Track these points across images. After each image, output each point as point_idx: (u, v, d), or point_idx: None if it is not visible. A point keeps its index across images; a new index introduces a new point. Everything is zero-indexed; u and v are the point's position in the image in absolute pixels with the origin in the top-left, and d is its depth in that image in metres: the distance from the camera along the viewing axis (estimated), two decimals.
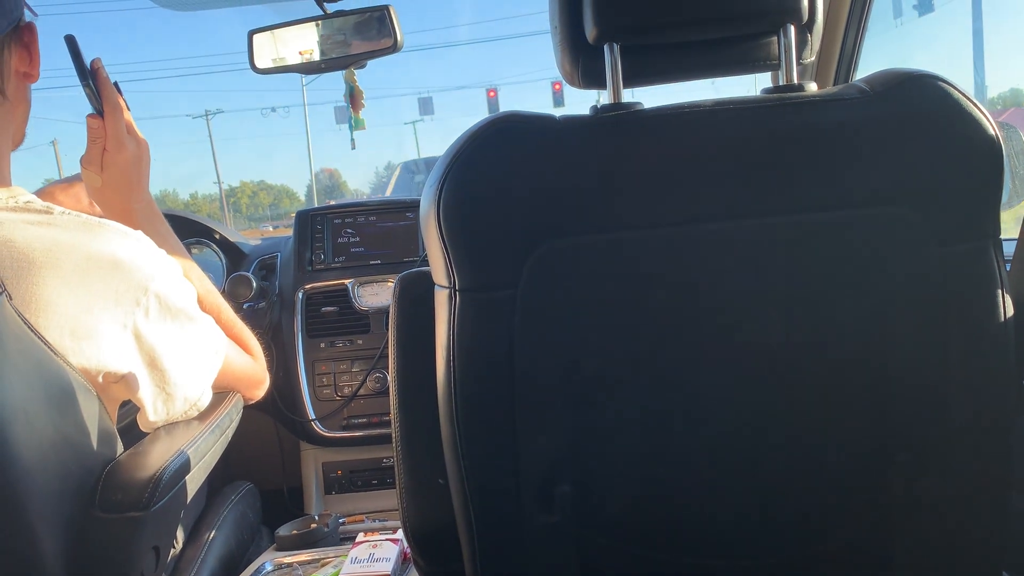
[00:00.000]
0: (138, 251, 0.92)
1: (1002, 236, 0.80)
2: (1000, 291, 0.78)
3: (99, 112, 1.05)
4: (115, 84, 1.07)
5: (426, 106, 28.93)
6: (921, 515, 0.83)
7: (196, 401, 1.01)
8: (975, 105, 0.77)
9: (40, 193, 1.23)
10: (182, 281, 0.99)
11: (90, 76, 1.04)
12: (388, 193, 9.71)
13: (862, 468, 0.83)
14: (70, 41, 1.03)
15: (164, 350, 0.95)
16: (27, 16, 0.96)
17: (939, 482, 0.82)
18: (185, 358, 0.98)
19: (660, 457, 0.82)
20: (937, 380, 0.80)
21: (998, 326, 0.79)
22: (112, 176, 1.08)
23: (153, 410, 0.96)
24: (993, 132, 0.77)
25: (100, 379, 0.89)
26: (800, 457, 0.83)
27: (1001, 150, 0.77)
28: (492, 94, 21.10)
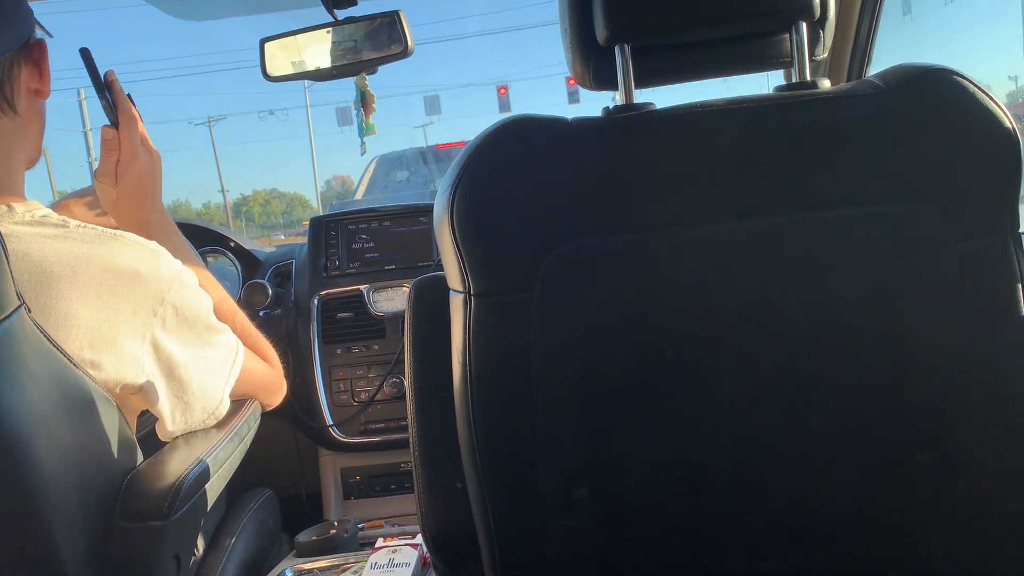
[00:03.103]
0: (154, 261, 0.93)
1: (1021, 230, 0.79)
2: (1020, 286, 0.78)
3: (114, 124, 1.06)
4: (128, 96, 1.08)
5: (433, 105, 27.33)
6: (944, 514, 0.82)
7: (214, 410, 1.02)
8: (991, 99, 0.77)
9: (55, 206, 1.24)
10: (198, 291, 1.00)
11: (106, 88, 1.05)
12: (359, 194, 7.82)
13: (885, 469, 0.82)
14: (85, 54, 1.03)
15: (182, 360, 0.95)
16: (38, 33, 0.97)
17: (963, 481, 0.81)
18: (203, 368, 0.99)
19: (678, 459, 0.82)
20: (958, 377, 0.79)
21: (1018, 321, 0.78)
22: (127, 187, 1.08)
23: (172, 420, 0.97)
24: (1010, 126, 0.76)
25: (119, 390, 0.90)
26: (821, 459, 0.82)
27: (1019, 144, 0.76)
28: (503, 91, 20.82)
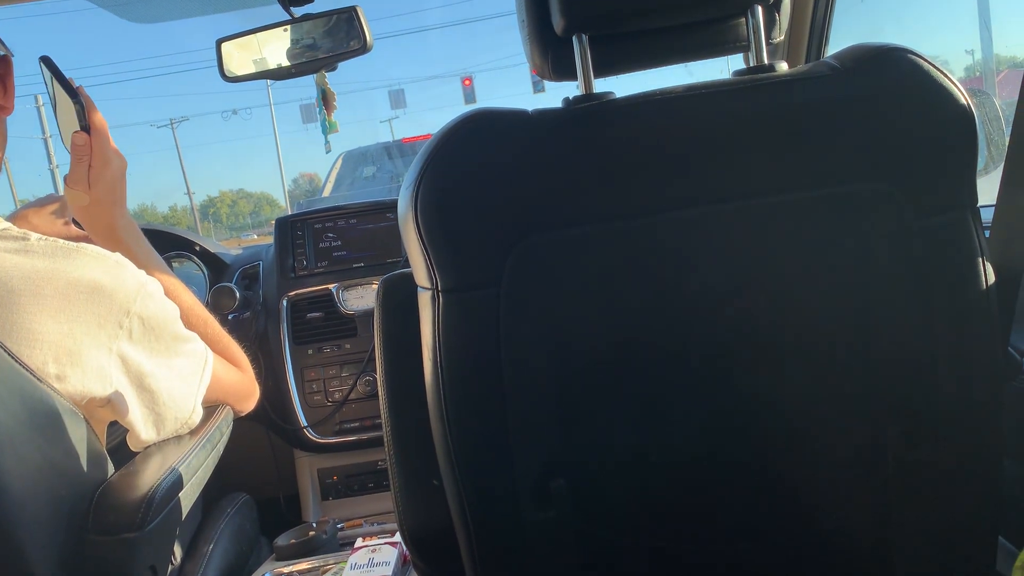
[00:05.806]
0: (118, 273, 0.92)
1: (980, 203, 0.80)
2: (980, 259, 0.79)
3: (84, 129, 1.05)
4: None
5: (398, 99, 27.56)
6: (916, 488, 0.83)
7: (187, 419, 1.01)
8: (946, 76, 0.78)
9: (13, 217, 1.22)
10: (164, 300, 0.98)
11: (77, 93, 1.04)
12: (327, 192, 7.84)
13: (854, 446, 0.83)
14: (47, 61, 1.03)
15: (151, 371, 0.94)
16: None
17: (932, 454, 0.82)
18: (173, 377, 0.98)
19: (652, 445, 0.82)
20: (924, 352, 0.80)
21: (981, 294, 0.79)
22: (99, 192, 1.08)
23: (144, 430, 0.96)
24: (965, 102, 0.77)
25: (85, 403, 0.89)
26: (793, 437, 0.83)
27: (974, 119, 0.77)
28: (467, 83, 20.69)
